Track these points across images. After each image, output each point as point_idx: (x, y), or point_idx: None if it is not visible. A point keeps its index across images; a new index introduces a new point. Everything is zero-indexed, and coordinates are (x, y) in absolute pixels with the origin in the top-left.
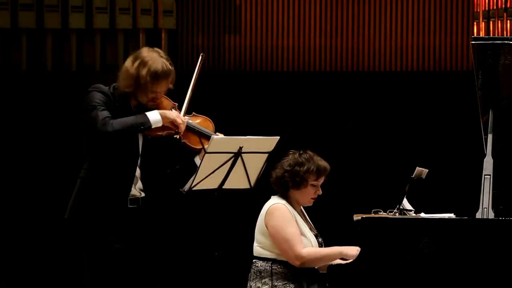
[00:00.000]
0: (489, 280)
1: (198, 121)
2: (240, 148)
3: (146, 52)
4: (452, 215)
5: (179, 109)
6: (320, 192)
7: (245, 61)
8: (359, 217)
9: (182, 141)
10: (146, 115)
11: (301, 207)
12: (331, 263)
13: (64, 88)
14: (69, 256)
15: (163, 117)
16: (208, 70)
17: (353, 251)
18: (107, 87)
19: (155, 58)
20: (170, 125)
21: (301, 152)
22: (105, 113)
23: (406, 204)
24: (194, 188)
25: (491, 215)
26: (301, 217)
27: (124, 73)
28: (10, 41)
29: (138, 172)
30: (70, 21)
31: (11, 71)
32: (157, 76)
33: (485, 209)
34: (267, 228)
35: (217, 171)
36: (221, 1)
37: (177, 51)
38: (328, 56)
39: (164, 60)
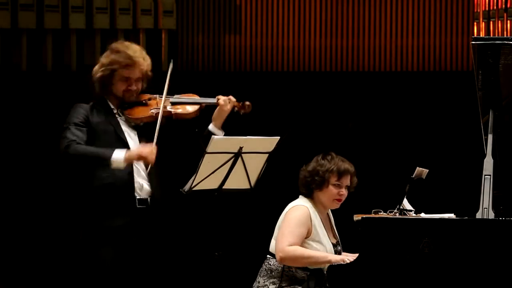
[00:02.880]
0: (489, 280)
1: (182, 96)
2: (240, 148)
3: (118, 43)
4: (452, 215)
5: (160, 94)
6: (344, 193)
7: (245, 61)
8: (359, 217)
9: (174, 113)
10: (111, 151)
11: (329, 212)
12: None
13: (64, 88)
14: (68, 257)
15: (128, 158)
16: (208, 70)
17: (339, 258)
18: (90, 103)
19: (127, 45)
20: (139, 161)
21: (324, 154)
22: (74, 135)
23: (406, 204)
24: (194, 188)
25: (491, 215)
26: (325, 224)
27: (99, 66)
28: (10, 41)
29: (142, 166)
30: (70, 21)
31: (11, 71)
32: (129, 58)
33: (485, 209)
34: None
35: (217, 171)
36: (221, 1)
37: (177, 51)
38: (328, 56)
39: (136, 47)
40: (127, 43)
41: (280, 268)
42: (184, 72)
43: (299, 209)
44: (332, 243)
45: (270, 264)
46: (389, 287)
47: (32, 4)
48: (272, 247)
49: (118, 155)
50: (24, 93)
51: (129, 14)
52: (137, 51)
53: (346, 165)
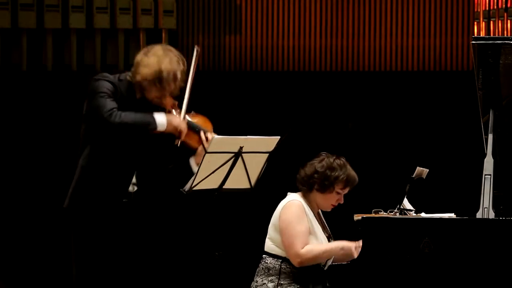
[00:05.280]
0: (489, 280)
1: (198, 121)
2: (241, 148)
3: (169, 51)
4: (452, 215)
5: (179, 107)
6: (342, 201)
7: (245, 61)
8: (360, 217)
9: (183, 140)
10: (153, 116)
11: (319, 210)
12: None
13: (64, 88)
14: (69, 256)
15: (168, 123)
16: (208, 70)
17: (352, 245)
18: (113, 76)
19: (175, 59)
20: (173, 131)
21: (336, 157)
22: (113, 104)
23: (406, 204)
24: (194, 188)
25: (492, 215)
26: (317, 218)
27: (147, 67)
28: (10, 41)
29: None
30: (71, 21)
31: (11, 71)
32: (175, 76)
33: (486, 209)
34: (279, 223)
35: (217, 171)
36: (221, 1)
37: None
38: (329, 56)
39: (181, 61)
40: (181, 62)
41: (278, 265)
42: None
43: (294, 205)
44: (325, 236)
45: (267, 263)
46: (389, 287)
47: (32, 4)
48: (268, 247)
49: (161, 120)
50: (24, 93)
51: (129, 14)
52: (182, 73)
53: (355, 175)
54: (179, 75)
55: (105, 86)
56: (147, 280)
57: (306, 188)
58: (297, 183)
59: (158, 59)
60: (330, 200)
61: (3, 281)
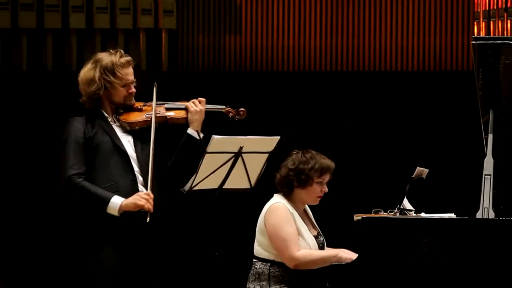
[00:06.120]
0: (489, 280)
1: (175, 103)
2: (241, 148)
3: (99, 54)
4: (452, 215)
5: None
6: (326, 190)
7: (245, 61)
8: (360, 217)
9: (169, 118)
10: (110, 196)
11: (305, 206)
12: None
13: (64, 88)
14: (69, 256)
15: (123, 207)
16: (208, 70)
17: (349, 254)
18: (83, 115)
19: (105, 53)
20: (136, 209)
21: (304, 151)
22: (74, 162)
23: (406, 204)
24: (194, 188)
25: (492, 215)
26: (303, 217)
27: (90, 81)
28: (10, 41)
29: (140, 178)
30: (71, 21)
31: (11, 71)
32: (122, 59)
33: (486, 209)
34: (265, 227)
35: (217, 171)
36: (221, 1)
37: (177, 51)
38: (329, 56)
39: (112, 51)
40: (118, 53)
41: (267, 270)
42: (184, 72)
43: (278, 208)
44: (313, 236)
45: (256, 268)
46: (389, 287)
47: (32, 4)
48: (256, 251)
49: (115, 203)
50: (24, 93)
51: (129, 14)
52: (123, 53)
53: (328, 162)
54: (123, 61)
55: (72, 131)
56: (147, 280)
57: (287, 189)
58: (277, 187)
59: (93, 63)
60: (314, 193)
61: (3, 280)
